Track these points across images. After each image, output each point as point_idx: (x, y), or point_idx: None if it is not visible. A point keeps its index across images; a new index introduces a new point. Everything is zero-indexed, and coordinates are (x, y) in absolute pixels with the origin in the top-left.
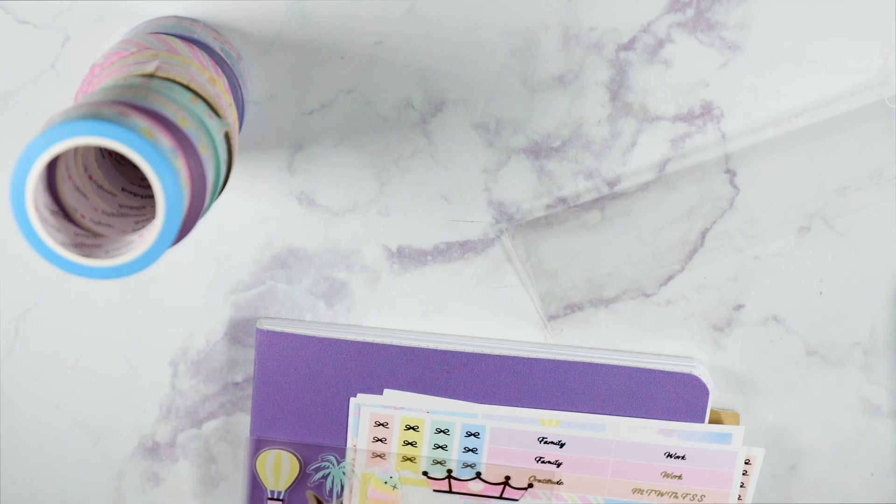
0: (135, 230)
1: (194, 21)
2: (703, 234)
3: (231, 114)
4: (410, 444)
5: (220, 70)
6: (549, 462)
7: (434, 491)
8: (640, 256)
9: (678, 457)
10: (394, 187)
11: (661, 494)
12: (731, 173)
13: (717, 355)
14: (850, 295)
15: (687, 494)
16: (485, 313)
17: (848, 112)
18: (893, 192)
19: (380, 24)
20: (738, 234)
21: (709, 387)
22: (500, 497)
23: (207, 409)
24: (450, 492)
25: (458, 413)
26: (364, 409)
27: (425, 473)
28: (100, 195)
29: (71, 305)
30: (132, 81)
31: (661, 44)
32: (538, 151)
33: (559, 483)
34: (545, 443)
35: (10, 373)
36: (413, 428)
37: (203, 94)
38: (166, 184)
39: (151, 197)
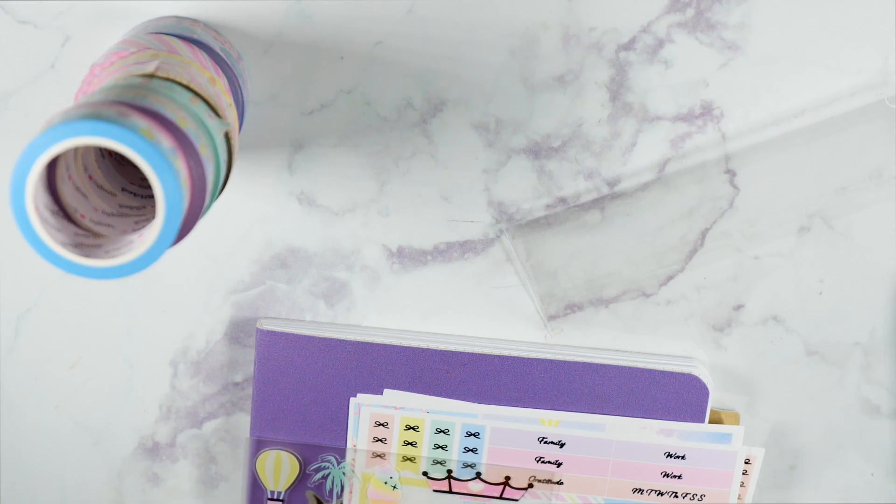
0: (135, 230)
1: (194, 21)
2: (703, 234)
3: (231, 114)
4: (410, 444)
5: (220, 70)
6: (549, 462)
7: (434, 491)
8: (640, 256)
9: (678, 457)
10: (394, 187)
11: (661, 494)
12: (731, 173)
13: (717, 355)
14: (850, 295)
15: (687, 494)
16: (485, 313)
17: (848, 112)
18: (893, 192)
19: (380, 24)
20: (738, 234)
21: (709, 387)
22: (500, 497)
23: (207, 409)
24: (450, 492)
25: (458, 413)
26: (364, 409)
27: (425, 473)
28: (100, 195)
29: (71, 305)
30: (132, 81)
31: (661, 44)
32: (538, 151)
33: (559, 483)
34: (545, 443)
35: (10, 373)
36: (413, 428)
37: (203, 94)
38: (166, 184)
39: (151, 197)
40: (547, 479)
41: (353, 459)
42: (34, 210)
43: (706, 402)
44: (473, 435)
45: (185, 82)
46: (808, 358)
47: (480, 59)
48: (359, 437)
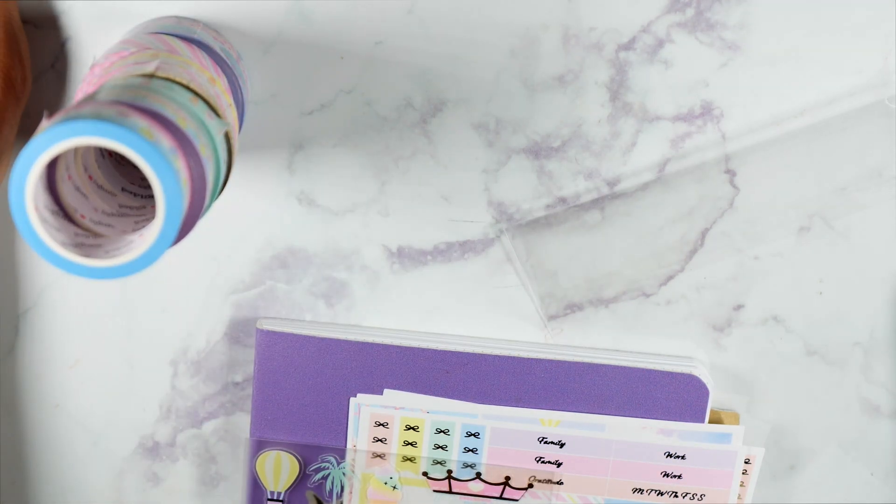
0: (135, 230)
1: (194, 21)
2: (703, 234)
3: (231, 114)
4: (410, 444)
5: (220, 70)
6: (549, 462)
7: (434, 491)
8: (640, 256)
9: (678, 456)
10: (394, 187)
11: (661, 494)
12: (731, 173)
13: (717, 355)
14: (850, 295)
15: (687, 494)
16: (485, 313)
17: (848, 112)
18: (893, 192)
19: (380, 24)
20: (738, 234)
21: (709, 387)
22: (500, 497)
23: (207, 409)
24: (450, 492)
25: (458, 413)
26: (364, 409)
27: (425, 474)
28: (100, 195)
29: (71, 305)
30: (132, 81)
31: (661, 44)
32: (538, 151)
33: (559, 483)
34: (545, 443)
35: (10, 373)
36: (413, 428)
37: (203, 94)
38: (166, 184)
39: (151, 197)
40: (547, 479)
41: (353, 460)
42: (34, 210)
43: (706, 402)
44: (473, 435)
45: (185, 82)
46: (808, 358)
47: (480, 59)
48: (359, 437)
